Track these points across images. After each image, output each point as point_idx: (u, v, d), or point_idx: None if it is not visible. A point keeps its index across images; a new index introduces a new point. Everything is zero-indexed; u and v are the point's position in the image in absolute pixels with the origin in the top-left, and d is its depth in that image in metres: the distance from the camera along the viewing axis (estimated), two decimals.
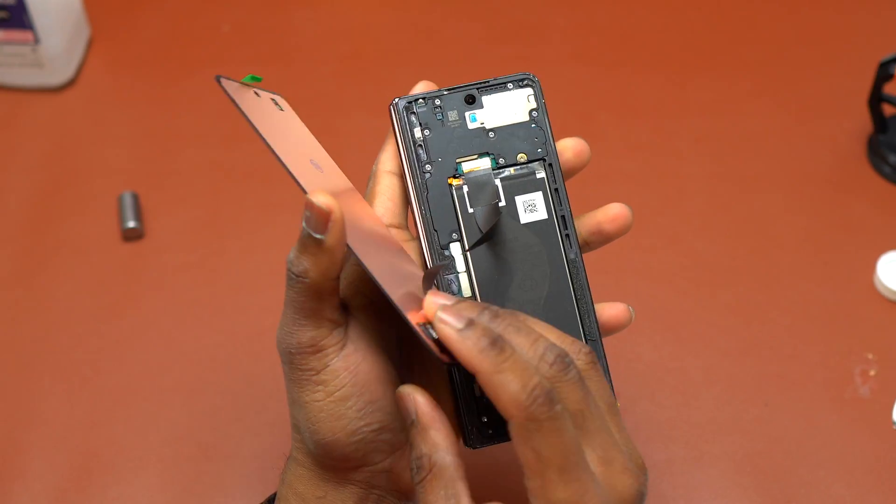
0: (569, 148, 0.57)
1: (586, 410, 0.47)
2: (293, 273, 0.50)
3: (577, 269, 0.55)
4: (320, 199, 0.48)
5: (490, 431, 0.54)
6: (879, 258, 0.81)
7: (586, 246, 0.57)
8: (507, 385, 0.45)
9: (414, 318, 0.49)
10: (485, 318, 0.48)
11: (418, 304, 0.50)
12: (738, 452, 0.72)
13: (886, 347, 0.77)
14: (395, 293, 0.49)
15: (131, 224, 0.83)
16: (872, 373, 0.76)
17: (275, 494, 0.57)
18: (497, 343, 0.46)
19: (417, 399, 0.49)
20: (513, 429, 0.45)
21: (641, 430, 0.73)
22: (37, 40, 0.90)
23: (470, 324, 0.47)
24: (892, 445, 0.73)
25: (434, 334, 0.48)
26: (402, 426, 0.52)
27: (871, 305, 0.80)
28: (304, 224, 0.49)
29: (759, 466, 0.72)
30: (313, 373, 0.51)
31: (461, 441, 0.54)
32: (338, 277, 0.50)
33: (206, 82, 0.95)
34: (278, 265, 0.58)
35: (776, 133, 0.91)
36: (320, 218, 0.48)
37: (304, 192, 0.49)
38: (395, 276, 0.51)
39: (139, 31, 0.99)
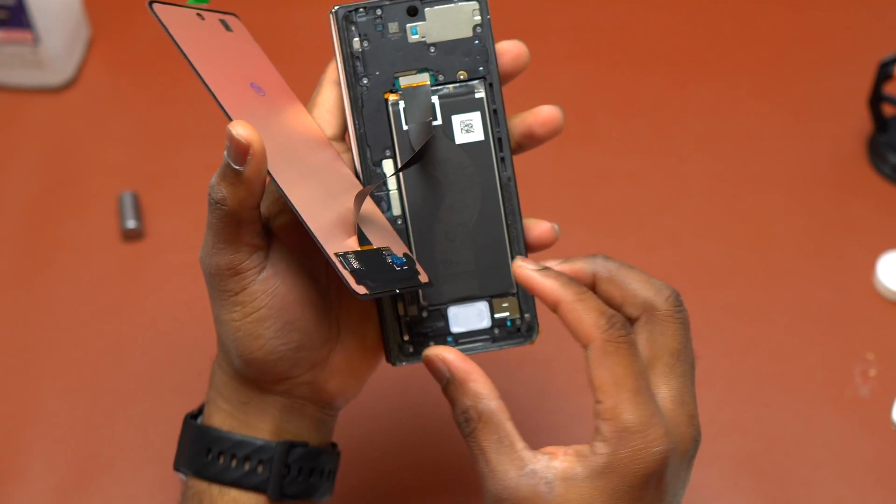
0: (506, 51, 0.55)
1: (682, 353, 0.50)
2: (212, 199, 0.50)
3: (509, 194, 0.55)
4: (240, 130, 0.48)
5: (411, 349, 0.55)
6: (879, 258, 0.81)
7: (518, 148, 0.56)
8: (589, 311, 0.48)
9: (332, 248, 0.49)
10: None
11: (347, 230, 0.50)
12: (738, 452, 0.72)
13: (886, 347, 0.77)
14: (317, 221, 0.49)
15: (131, 224, 0.83)
16: (872, 373, 0.76)
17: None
18: (574, 281, 0.49)
19: (447, 357, 0.50)
20: (591, 352, 0.48)
21: None
22: (37, 40, 0.90)
23: (549, 269, 0.50)
24: (892, 445, 0.73)
25: (354, 264, 0.49)
26: (321, 343, 0.54)
27: (871, 305, 0.80)
28: (225, 153, 0.49)
29: (759, 466, 0.72)
30: (231, 294, 0.52)
31: (383, 359, 0.56)
32: (257, 206, 0.50)
33: None
34: None
35: (776, 133, 0.91)
36: (239, 149, 0.48)
37: (228, 119, 0.49)
38: (325, 201, 0.51)
39: (139, 31, 0.99)
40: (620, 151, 0.90)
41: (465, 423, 0.49)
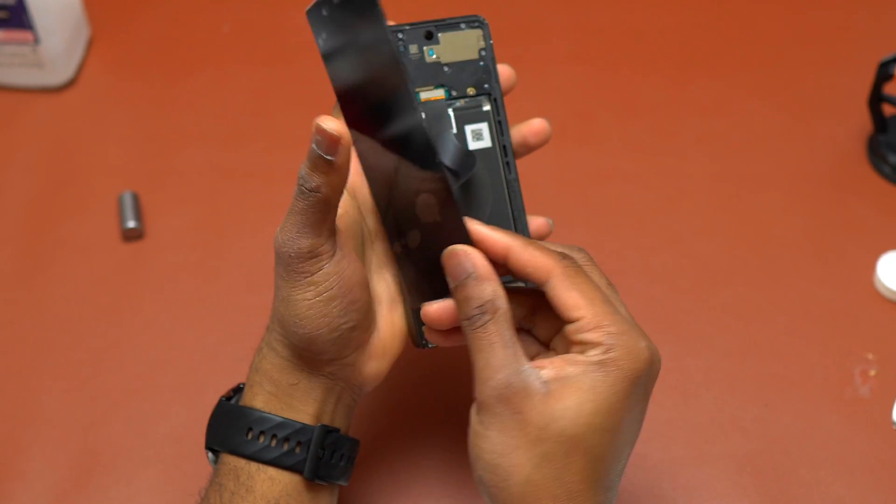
0: (500, 73, 0.63)
1: (611, 285, 0.55)
2: (306, 188, 0.55)
3: (515, 193, 0.61)
4: (329, 124, 0.54)
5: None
6: (879, 258, 0.81)
7: (514, 155, 0.63)
8: (541, 251, 0.54)
9: None
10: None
11: None
12: (738, 452, 0.72)
13: (886, 347, 0.77)
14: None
15: (131, 224, 0.83)
16: (872, 373, 0.76)
17: (240, 385, 0.63)
18: (517, 234, 0.55)
19: (475, 254, 0.54)
20: (555, 281, 0.53)
21: (641, 430, 0.73)
22: (37, 40, 0.90)
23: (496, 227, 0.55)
24: (892, 445, 0.73)
25: None
26: (368, 325, 0.59)
27: (871, 305, 0.80)
28: (314, 146, 0.54)
29: (759, 466, 0.72)
30: (307, 275, 0.56)
31: (411, 342, 0.62)
32: (342, 192, 0.56)
33: (206, 82, 0.95)
34: None
35: (776, 133, 0.91)
36: (332, 141, 0.54)
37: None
38: None
39: (139, 31, 0.99)
40: (620, 151, 0.90)
41: (479, 316, 0.53)
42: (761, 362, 0.77)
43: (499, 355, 0.52)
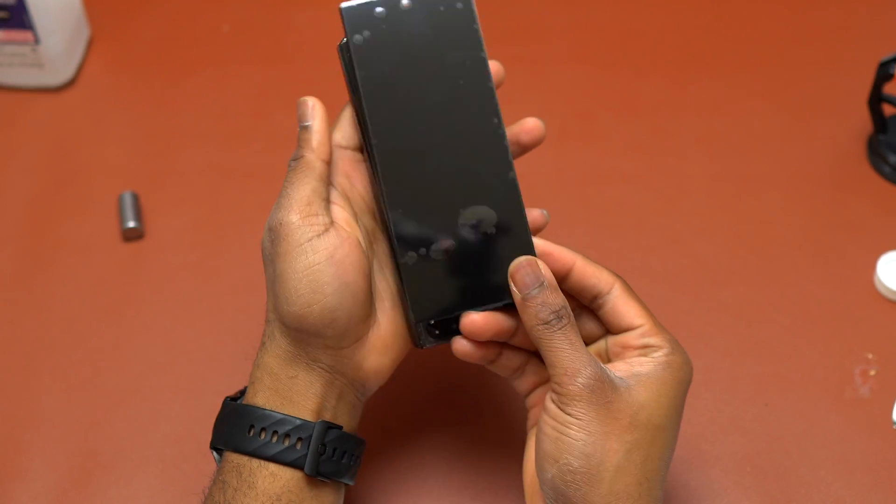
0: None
1: None
2: (291, 162, 0.60)
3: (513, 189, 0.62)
4: (307, 99, 0.62)
5: (437, 332, 0.61)
6: (879, 258, 0.81)
7: None
8: (602, 266, 0.60)
9: None
10: None
11: None
12: (738, 452, 0.72)
13: (886, 347, 0.77)
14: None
15: (131, 224, 0.83)
16: (872, 373, 0.76)
17: (246, 388, 0.63)
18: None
19: (544, 265, 0.58)
20: (618, 291, 0.59)
21: None
22: (37, 40, 0.90)
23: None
24: (892, 445, 0.73)
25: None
26: (365, 317, 0.60)
27: (871, 305, 0.80)
28: (299, 124, 0.61)
29: (759, 466, 0.72)
30: (298, 244, 0.58)
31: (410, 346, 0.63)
32: (328, 160, 0.61)
33: (206, 82, 0.95)
34: None
35: (776, 133, 0.91)
36: (307, 107, 0.62)
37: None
38: None
39: (139, 31, 0.99)
40: (620, 151, 0.90)
41: (556, 321, 0.57)
42: (761, 362, 0.77)
43: (583, 352, 0.56)
